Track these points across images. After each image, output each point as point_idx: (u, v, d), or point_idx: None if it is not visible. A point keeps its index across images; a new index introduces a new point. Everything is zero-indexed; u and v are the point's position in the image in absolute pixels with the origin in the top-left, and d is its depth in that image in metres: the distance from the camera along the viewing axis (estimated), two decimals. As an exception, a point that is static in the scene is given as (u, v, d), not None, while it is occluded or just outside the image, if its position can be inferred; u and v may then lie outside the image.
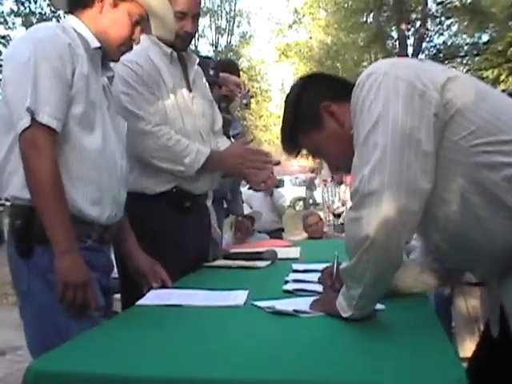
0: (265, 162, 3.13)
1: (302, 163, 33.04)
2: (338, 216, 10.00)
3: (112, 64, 2.64)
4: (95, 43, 2.45)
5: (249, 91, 4.54)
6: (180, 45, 3.23)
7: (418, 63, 1.98)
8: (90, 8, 2.47)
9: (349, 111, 1.99)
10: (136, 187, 2.99)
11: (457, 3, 23.57)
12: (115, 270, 2.80)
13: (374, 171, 1.73)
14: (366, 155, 1.78)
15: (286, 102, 2.37)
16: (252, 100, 4.88)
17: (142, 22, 2.54)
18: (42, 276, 2.27)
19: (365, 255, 1.77)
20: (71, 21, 2.49)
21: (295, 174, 32.58)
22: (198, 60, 3.44)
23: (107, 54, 2.54)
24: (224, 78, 4.49)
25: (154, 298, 2.43)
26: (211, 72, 4.58)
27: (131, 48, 2.59)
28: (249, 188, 4.14)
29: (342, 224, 9.73)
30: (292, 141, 2.35)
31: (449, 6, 24.17)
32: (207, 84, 3.58)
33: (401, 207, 1.69)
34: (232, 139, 4.94)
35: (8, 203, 2.33)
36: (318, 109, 2.22)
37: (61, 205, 2.23)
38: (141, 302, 2.37)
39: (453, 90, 1.83)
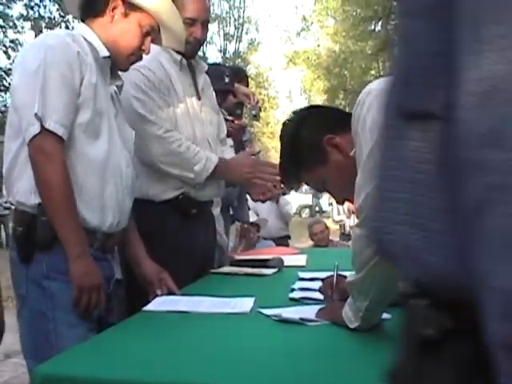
0: (272, 174, 3.13)
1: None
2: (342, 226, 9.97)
3: (121, 72, 2.65)
4: (104, 52, 2.46)
5: (258, 102, 4.54)
6: (189, 51, 3.22)
7: None
8: (101, 17, 2.47)
9: (351, 140, 1.97)
10: (142, 194, 2.99)
11: None
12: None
13: None
14: (369, 175, 1.75)
15: (282, 138, 2.34)
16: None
17: (152, 33, 2.55)
18: (38, 283, 2.28)
19: (371, 271, 1.79)
20: (82, 29, 2.50)
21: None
22: (206, 67, 3.45)
23: (116, 63, 2.55)
24: (234, 87, 4.49)
25: (160, 304, 2.43)
26: (226, 80, 4.58)
27: (141, 58, 2.60)
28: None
29: (349, 234, 9.73)
30: (295, 178, 2.34)
31: None
32: (214, 92, 3.58)
33: None
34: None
35: (13, 207, 2.34)
36: (322, 143, 2.18)
37: (72, 209, 2.25)
38: (147, 307, 2.37)
39: None
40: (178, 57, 3.19)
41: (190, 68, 3.30)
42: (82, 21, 2.54)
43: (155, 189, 3.10)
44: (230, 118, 4.34)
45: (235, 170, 3.19)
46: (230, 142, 4.80)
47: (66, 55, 2.29)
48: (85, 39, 2.43)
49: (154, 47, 2.70)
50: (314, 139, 2.19)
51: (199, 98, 3.30)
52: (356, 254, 1.84)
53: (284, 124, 2.38)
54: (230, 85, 4.68)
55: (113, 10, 2.46)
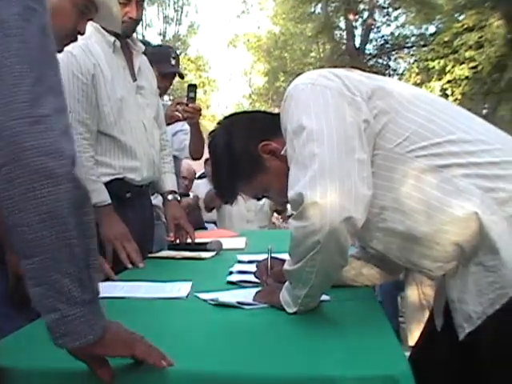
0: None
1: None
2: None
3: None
4: None
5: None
6: (125, 31, 3.17)
7: (345, 72, 1.94)
8: None
9: (284, 142, 1.95)
10: None
11: (405, -5, 23.81)
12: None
13: (315, 181, 1.70)
14: (303, 166, 1.75)
15: (214, 151, 2.27)
16: (199, 90, 4.87)
17: (88, 13, 2.46)
18: None
19: (310, 261, 1.77)
20: None
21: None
22: (143, 48, 3.40)
23: None
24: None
25: (96, 290, 2.39)
26: (173, 62, 4.55)
27: (76, 39, 2.51)
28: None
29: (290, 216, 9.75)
30: (231, 191, 2.28)
31: (398, -2, 24.41)
32: (158, 74, 3.54)
33: (345, 215, 1.67)
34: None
35: None
36: (257, 152, 2.14)
37: None
38: (82, 294, 2.33)
39: (383, 98, 1.85)
40: (112, 38, 3.13)
41: (125, 49, 3.25)
42: None
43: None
44: (184, 100, 4.32)
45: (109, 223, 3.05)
46: (185, 125, 4.79)
47: None
48: None
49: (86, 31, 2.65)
50: (249, 149, 2.15)
51: (135, 80, 3.25)
52: (294, 245, 1.82)
53: (212, 136, 2.30)
54: (177, 67, 4.65)
55: None
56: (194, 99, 4.31)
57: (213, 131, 2.31)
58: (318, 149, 1.73)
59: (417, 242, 1.84)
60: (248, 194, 2.30)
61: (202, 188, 7.56)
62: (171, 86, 4.78)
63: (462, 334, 1.82)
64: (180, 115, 4.34)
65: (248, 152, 2.15)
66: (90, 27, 2.92)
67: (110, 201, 3.03)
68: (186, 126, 4.81)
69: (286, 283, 1.98)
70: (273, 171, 2.14)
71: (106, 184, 3.08)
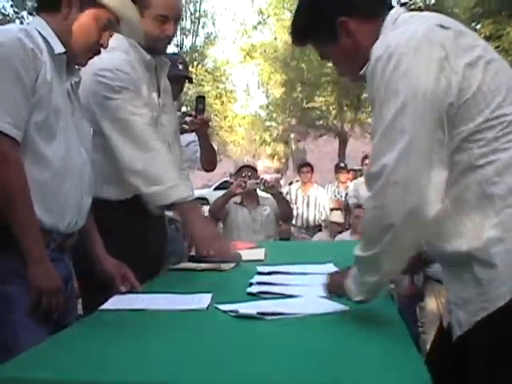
0: (221, 254, 3.02)
1: (267, 164, 33.10)
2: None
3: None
4: (59, 49, 2.40)
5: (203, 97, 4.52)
6: (160, 48, 3.21)
7: (450, 41, 1.87)
8: (57, 12, 2.41)
9: (366, 30, 2.05)
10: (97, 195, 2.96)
11: (421, 4, 23.75)
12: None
13: (400, 160, 1.74)
14: (391, 139, 1.78)
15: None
16: (217, 101, 4.88)
17: (110, 27, 2.51)
18: None
19: (386, 246, 1.80)
20: (37, 23, 2.44)
21: (260, 175, 32.78)
22: (168, 64, 3.43)
23: (74, 59, 2.51)
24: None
25: (117, 302, 2.41)
26: (180, 67, 4.57)
27: (99, 52, 2.56)
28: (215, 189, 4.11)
29: (308, 227, 9.75)
30: (301, 41, 2.33)
31: (413, 6, 24.33)
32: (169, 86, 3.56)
33: (424, 199, 1.72)
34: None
35: None
36: (335, 23, 2.10)
37: (31, 213, 2.24)
38: (104, 306, 2.34)
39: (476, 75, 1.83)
40: (148, 56, 3.16)
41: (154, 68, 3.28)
42: (38, 13, 2.50)
43: (110, 191, 3.09)
44: (193, 113, 4.33)
45: (200, 224, 2.98)
46: (194, 136, 4.79)
47: (19, 53, 2.23)
48: (40, 34, 2.38)
49: (123, 44, 2.70)
50: (331, 16, 2.11)
51: (159, 97, 3.28)
52: (368, 228, 1.87)
53: None
54: (185, 71, 4.67)
55: (68, 5, 2.41)
56: (202, 111, 4.32)
57: None
58: (410, 125, 1.75)
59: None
60: (315, 49, 2.32)
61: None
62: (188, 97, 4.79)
63: (454, 336, 1.90)
64: (188, 127, 4.35)
65: (329, 19, 2.12)
66: (128, 45, 2.96)
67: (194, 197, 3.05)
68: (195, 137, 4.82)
69: (353, 271, 2.00)
70: (340, 47, 2.14)
71: (133, 198, 3.11)
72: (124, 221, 3.07)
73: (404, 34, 1.89)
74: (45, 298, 2.24)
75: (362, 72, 2.06)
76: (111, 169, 3.05)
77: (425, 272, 5.37)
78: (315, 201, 9.82)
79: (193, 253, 3.54)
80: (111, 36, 2.54)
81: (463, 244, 1.83)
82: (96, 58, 2.59)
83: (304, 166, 10.20)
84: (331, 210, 9.77)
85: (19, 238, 2.21)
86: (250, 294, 2.47)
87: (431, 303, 5.43)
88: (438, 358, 2.20)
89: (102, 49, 2.53)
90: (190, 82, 4.83)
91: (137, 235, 3.08)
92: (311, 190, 9.89)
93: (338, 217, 9.16)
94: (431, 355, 2.30)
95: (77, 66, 2.62)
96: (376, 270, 1.89)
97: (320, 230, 9.78)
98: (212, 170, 5.14)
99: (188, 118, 4.34)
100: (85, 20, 2.43)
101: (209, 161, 4.87)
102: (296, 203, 9.73)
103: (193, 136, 4.77)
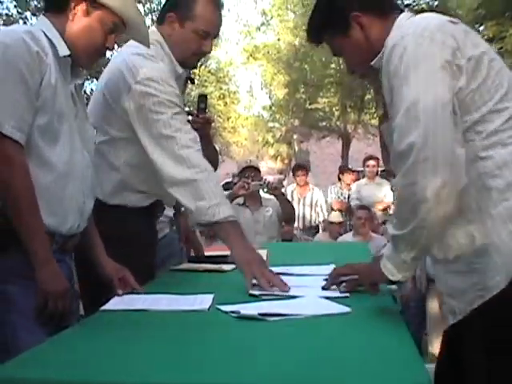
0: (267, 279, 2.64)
1: (271, 165, 33.05)
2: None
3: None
4: (64, 51, 2.41)
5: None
6: (192, 63, 3.22)
7: (461, 33, 2.04)
8: (63, 14, 2.42)
9: (377, 25, 2.25)
10: (115, 201, 2.96)
11: (424, 5, 23.73)
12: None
13: (427, 139, 1.83)
14: (415, 117, 1.88)
15: None
16: (220, 102, 4.87)
17: (116, 30, 2.51)
18: None
19: (421, 221, 1.89)
20: (42, 24, 2.45)
21: (263, 176, 32.75)
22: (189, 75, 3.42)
23: (79, 61, 2.51)
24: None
25: (118, 303, 2.41)
26: None
27: (104, 55, 2.56)
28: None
29: (304, 228, 9.76)
30: (317, 36, 2.49)
31: (416, 8, 24.33)
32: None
33: (453, 173, 1.84)
34: None
35: None
36: (349, 17, 2.30)
37: (36, 215, 2.25)
38: (105, 307, 2.35)
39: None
40: (180, 70, 3.13)
41: None
42: (44, 13, 2.50)
43: (130, 198, 3.06)
44: (194, 111, 4.32)
45: (243, 247, 2.81)
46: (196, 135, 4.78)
47: (23, 55, 2.24)
48: (45, 35, 2.38)
49: (160, 53, 2.85)
50: (344, 10, 2.30)
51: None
52: (402, 206, 1.96)
53: None
54: (189, 72, 4.66)
55: (74, 8, 2.41)
56: (204, 110, 4.31)
57: None
58: (430, 105, 1.87)
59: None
60: (329, 45, 2.48)
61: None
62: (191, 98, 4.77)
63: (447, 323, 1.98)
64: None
65: (342, 13, 2.31)
66: (163, 52, 2.95)
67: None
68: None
69: (388, 252, 2.08)
70: (352, 41, 2.33)
71: (148, 206, 3.12)
72: (133, 222, 3.05)
73: (419, 26, 2.04)
74: (51, 300, 2.24)
75: (373, 63, 2.22)
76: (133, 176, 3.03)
77: (428, 275, 5.39)
78: (311, 201, 9.85)
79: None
80: (117, 39, 2.55)
81: (461, 234, 1.94)
82: (138, 61, 2.69)
83: (298, 170, 10.22)
84: (331, 210, 9.80)
85: (25, 241, 2.21)
86: (252, 295, 2.47)
87: (434, 305, 5.44)
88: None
89: (138, 55, 2.58)
90: (192, 82, 4.82)
91: (144, 234, 3.10)
92: (307, 192, 9.92)
93: (336, 217, 9.16)
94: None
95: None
96: (413, 245, 1.97)
97: (317, 232, 9.82)
98: (214, 171, 5.13)
99: (189, 118, 4.33)
100: (90, 23, 2.43)
101: (210, 161, 4.86)
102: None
103: None
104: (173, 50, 3.00)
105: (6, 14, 22.92)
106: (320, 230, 9.95)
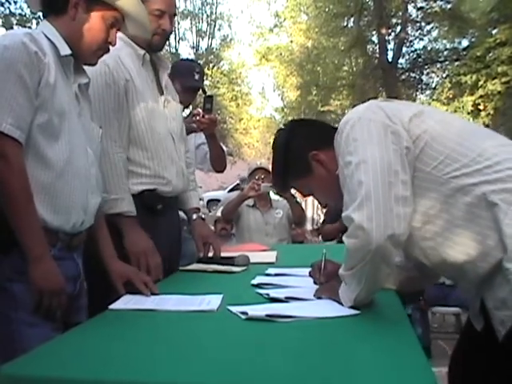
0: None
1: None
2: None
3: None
4: (65, 50, 2.43)
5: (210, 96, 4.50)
6: (157, 43, 3.25)
7: (386, 104, 2.25)
8: (63, 14, 2.45)
9: (333, 156, 2.30)
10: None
11: (437, 9, 23.73)
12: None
13: (362, 206, 2.01)
14: (353, 192, 2.07)
15: (274, 148, 2.65)
16: (232, 103, 4.88)
17: (116, 24, 2.54)
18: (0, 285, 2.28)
19: (360, 270, 2.09)
20: (44, 27, 2.48)
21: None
22: (169, 66, 3.46)
23: (83, 59, 2.54)
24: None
25: (126, 302, 2.42)
26: (196, 77, 4.58)
27: (108, 50, 2.59)
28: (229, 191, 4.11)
29: (317, 229, 9.77)
30: (283, 185, 2.70)
31: (429, 11, 24.33)
32: (182, 89, 3.57)
33: (389, 233, 1.98)
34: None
35: None
36: (307, 158, 2.48)
37: (32, 213, 2.25)
38: (113, 306, 2.35)
39: (420, 126, 2.14)
40: (142, 51, 3.19)
41: (153, 64, 3.30)
42: (45, 17, 2.52)
43: None
44: (200, 112, 4.32)
45: (134, 238, 3.03)
46: (202, 136, 4.79)
47: (22, 56, 2.26)
48: (47, 37, 2.40)
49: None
50: (301, 153, 2.50)
51: (162, 94, 3.29)
52: (348, 255, 2.13)
53: (277, 133, 2.71)
54: (200, 82, 4.66)
55: (74, 7, 2.43)
56: (210, 110, 4.32)
57: (279, 130, 2.74)
58: (364, 177, 2.04)
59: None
60: (297, 189, 2.73)
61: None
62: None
63: (499, 336, 1.99)
64: (196, 126, 4.36)
65: (300, 156, 2.50)
66: (120, 41, 2.96)
67: (135, 213, 3.06)
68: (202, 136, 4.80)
69: (342, 285, 2.24)
70: (317, 178, 2.51)
71: (138, 195, 3.11)
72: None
73: (348, 116, 2.26)
74: (45, 298, 2.25)
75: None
76: None
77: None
78: (312, 203, 9.87)
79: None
80: (118, 32, 2.59)
81: (491, 256, 1.98)
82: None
83: None
84: None
85: (20, 237, 2.22)
86: (258, 294, 2.50)
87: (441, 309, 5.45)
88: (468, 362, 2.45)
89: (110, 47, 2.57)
90: (204, 92, 4.82)
91: (145, 231, 3.07)
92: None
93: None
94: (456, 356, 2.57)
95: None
96: (356, 286, 2.15)
97: (319, 234, 9.82)
98: (222, 171, 5.14)
99: (196, 118, 4.34)
100: (91, 20, 2.47)
101: (217, 161, 4.88)
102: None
103: (203, 138, 4.78)
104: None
105: (20, 14, 22.99)
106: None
